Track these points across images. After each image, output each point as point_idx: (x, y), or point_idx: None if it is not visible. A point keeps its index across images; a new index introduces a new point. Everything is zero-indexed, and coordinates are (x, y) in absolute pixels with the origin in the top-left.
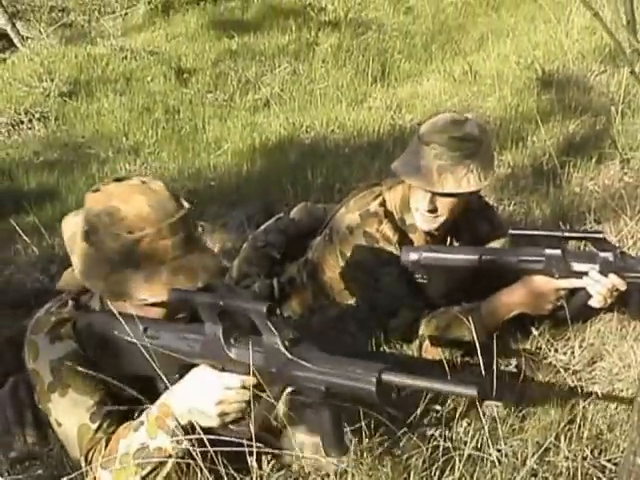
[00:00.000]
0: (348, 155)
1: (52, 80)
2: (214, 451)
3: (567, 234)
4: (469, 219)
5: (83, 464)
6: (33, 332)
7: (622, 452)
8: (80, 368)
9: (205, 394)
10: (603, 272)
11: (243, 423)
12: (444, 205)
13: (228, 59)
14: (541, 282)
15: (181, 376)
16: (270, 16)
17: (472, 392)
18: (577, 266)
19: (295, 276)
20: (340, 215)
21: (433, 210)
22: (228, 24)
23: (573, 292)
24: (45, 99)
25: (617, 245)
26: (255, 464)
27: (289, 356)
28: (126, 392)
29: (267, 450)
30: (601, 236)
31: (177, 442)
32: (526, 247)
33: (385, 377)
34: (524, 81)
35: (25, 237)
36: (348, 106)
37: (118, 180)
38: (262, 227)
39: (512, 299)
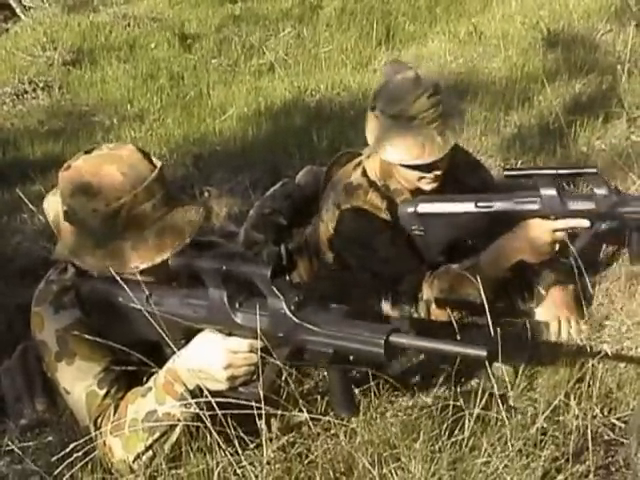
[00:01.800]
0: (353, 118)
1: (55, 49)
2: (222, 414)
3: (561, 171)
4: (457, 176)
5: (92, 430)
6: (37, 304)
7: (631, 410)
8: (86, 336)
9: (213, 358)
10: (599, 209)
11: (252, 385)
12: (439, 164)
13: (232, 24)
14: (536, 225)
15: (187, 341)
16: None
17: (481, 353)
18: (573, 205)
19: (301, 245)
20: (326, 193)
21: (437, 170)
22: None
23: (574, 236)
24: (49, 68)
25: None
26: (264, 426)
27: (296, 320)
28: (133, 358)
29: (276, 412)
30: (595, 171)
31: (185, 407)
32: (521, 189)
33: (393, 339)
34: (529, 41)
35: (31, 206)
36: (353, 69)
37: (87, 153)
38: (268, 193)
39: (510, 246)
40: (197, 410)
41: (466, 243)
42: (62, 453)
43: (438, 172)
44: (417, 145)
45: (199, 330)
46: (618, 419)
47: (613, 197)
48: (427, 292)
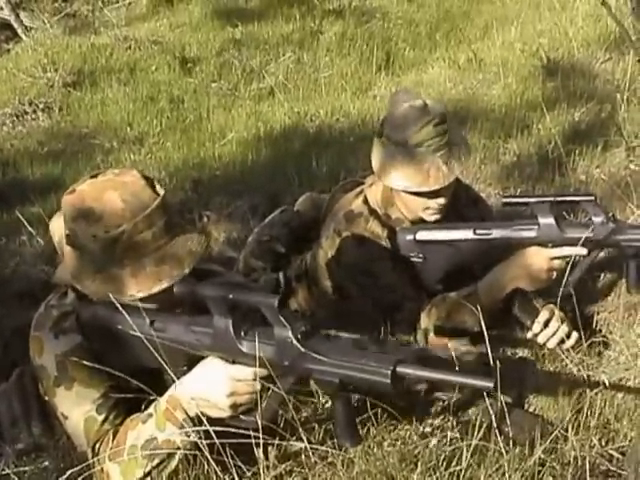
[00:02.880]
0: (353, 144)
1: (56, 70)
2: (220, 443)
3: (559, 198)
4: (458, 210)
5: (90, 456)
6: (36, 328)
7: (630, 441)
8: (85, 362)
9: (216, 386)
10: (596, 237)
11: (253, 414)
12: (445, 190)
13: (232, 48)
14: (533, 252)
15: (189, 368)
16: (274, 5)
17: (488, 384)
18: (571, 233)
19: (301, 274)
20: (327, 221)
21: (442, 202)
22: (232, 13)
23: (573, 266)
24: (49, 89)
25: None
26: (262, 455)
27: (302, 349)
28: (132, 384)
29: (274, 441)
30: (592, 198)
31: (186, 434)
32: (519, 218)
33: (400, 369)
34: (529, 69)
35: (30, 228)
36: (353, 95)
37: (93, 177)
38: (266, 220)
39: (507, 274)
40: (197, 438)
41: (465, 270)
42: (59, 479)
43: (442, 201)
44: (422, 172)
45: (202, 357)
46: (616, 450)
47: (610, 225)
48: (425, 320)
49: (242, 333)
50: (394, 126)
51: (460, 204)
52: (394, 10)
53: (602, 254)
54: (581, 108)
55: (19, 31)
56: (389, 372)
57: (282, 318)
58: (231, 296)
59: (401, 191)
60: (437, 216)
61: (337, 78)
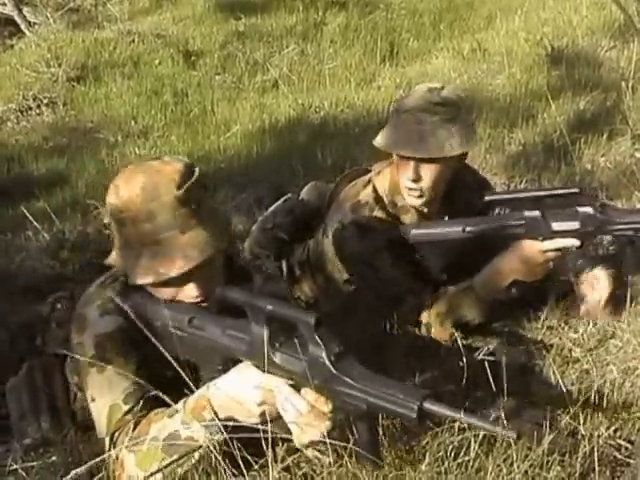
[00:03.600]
0: (358, 135)
1: (60, 65)
2: (229, 437)
3: (543, 192)
4: (465, 195)
5: (107, 443)
6: (83, 306)
7: (638, 430)
8: (124, 347)
9: (250, 393)
10: (585, 228)
11: (279, 422)
12: (428, 172)
13: (236, 41)
14: (526, 246)
15: (224, 366)
16: None
17: (512, 435)
18: (557, 225)
19: (304, 261)
20: (333, 208)
21: (417, 179)
22: (235, 5)
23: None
24: (53, 84)
25: (597, 198)
26: (270, 448)
27: (334, 371)
28: (168, 373)
29: (281, 434)
30: (577, 190)
31: (210, 434)
32: (507, 212)
33: (427, 405)
34: (533, 58)
35: (35, 223)
36: (357, 86)
37: (155, 159)
38: (270, 209)
39: (502, 267)
40: (221, 439)
41: (465, 259)
42: (67, 474)
43: (423, 185)
44: (399, 134)
45: (237, 359)
46: (624, 439)
47: (598, 216)
48: (426, 316)
49: (277, 345)
50: (404, 97)
51: (468, 190)
52: (397, 1)
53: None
54: (586, 97)
55: (22, 26)
56: (416, 407)
57: (317, 337)
58: (270, 307)
59: (379, 146)
60: (417, 200)
61: (341, 69)
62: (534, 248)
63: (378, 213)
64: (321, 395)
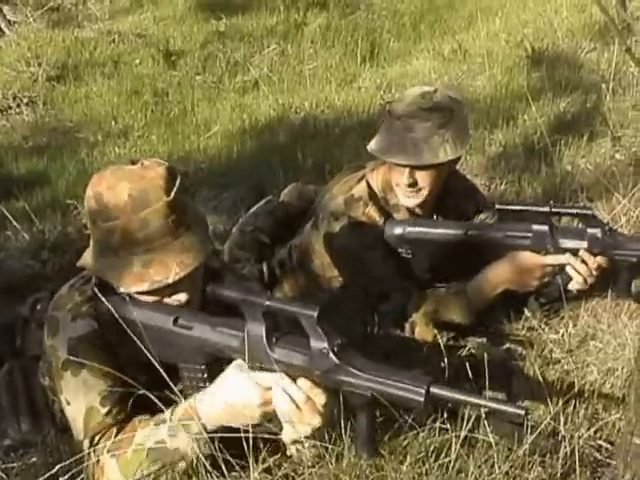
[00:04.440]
0: (338, 135)
1: (40, 64)
2: (210, 437)
3: (555, 210)
4: (455, 201)
5: (86, 446)
6: (55, 308)
7: (618, 431)
8: (98, 350)
9: (249, 396)
10: (591, 249)
11: (275, 420)
12: (424, 178)
13: (216, 41)
14: (526, 258)
15: (207, 366)
16: None
17: (520, 412)
18: (565, 242)
19: (285, 260)
20: (325, 202)
21: (412, 184)
22: (216, 5)
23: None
24: (33, 84)
25: (607, 222)
26: (251, 449)
27: (337, 361)
28: (142, 380)
29: (263, 435)
30: (590, 212)
31: (197, 446)
32: (513, 222)
33: (434, 390)
34: (514, 59)
35: (15, 223)
36: (337, 86)
37: (133, 163)
38: (251, 211)
39: (498, 276)
40: (208, 451)
41: (453, 261)
42: (47, 475)
43: (418, 188)
44: (391, 142)
45: (221, 357)
46: (605, 440)
47: (606, 240)
48: (412, 313)
49: (274, 339)
50: (397, 101)
51: (458, 196)
52: (378, 1)
53: None
54: (566, 98)
55: (2, 25)
56: (423, 391)
57: (320, 329)
58: (268, 303)
59: (373, 152)
60: (414, 200)
61: (322, 70)
62: (534, 261)
63: (372, 209)
64: (323, 388)
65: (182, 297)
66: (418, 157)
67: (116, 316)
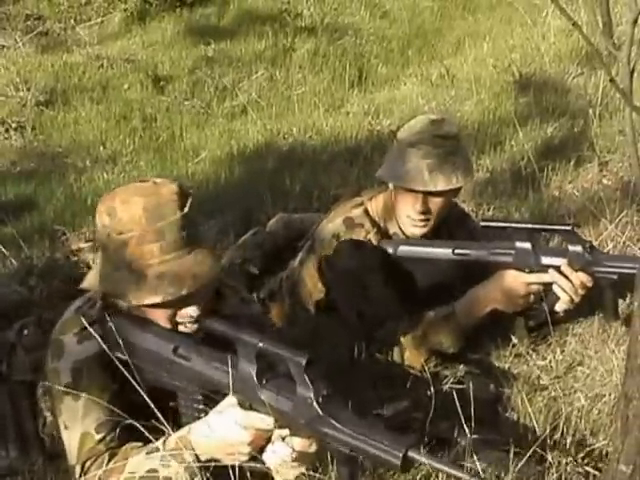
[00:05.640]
0: (326, 161)
1: (28, 89)
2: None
3: (537, 226)
4: (449, 228)
5: (78, 472)
6: (61, 332)
7: (606, 457)
8: (101, 371)
9: (238, 435)
10: (572, 265)
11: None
12: (435, 205)
13: (205, 66)
14: (510, 277)
15: (204, 396)
16: (246, 22)
17: None
18: (547, 260)
19: (275, 290)
20: (322, 226)
21: (426, 211)
22: (204, 31)
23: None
24: (22, 108)
25: (588, 240)
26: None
27: (320, 412)
28: (142, 400)
29: (249, 464)
30: (569, 228)
31: (189, 476)
32: (497, 240)
33: (411, 454)
34: (501, 84)
35: (3, 249)
36: (325, 112)
37: (142, 181)
38: (239, 242)
39: (485, 296)
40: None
41: (444, 287)
42: None
43: (427, 210)
44: (404, 170)
45: (217, 389)
46: (592, 467)
47: (586, 256)
48: (402, 339)
49: (264, 381)
50: (407, 129)
51: (451, 224)
52: (366, 27)
53: None
54: (554, 123)
55: None
56: (400, 455)
57: (307, 378)
58: (261, 344)
59: (386, 180)
60: (422, 230)
61: (310, 95)
62: (518, 280)
63: (374, 237)
64: (307, 437)
65: (193, 311)
66: (434, 183)
67: (119, 341)
